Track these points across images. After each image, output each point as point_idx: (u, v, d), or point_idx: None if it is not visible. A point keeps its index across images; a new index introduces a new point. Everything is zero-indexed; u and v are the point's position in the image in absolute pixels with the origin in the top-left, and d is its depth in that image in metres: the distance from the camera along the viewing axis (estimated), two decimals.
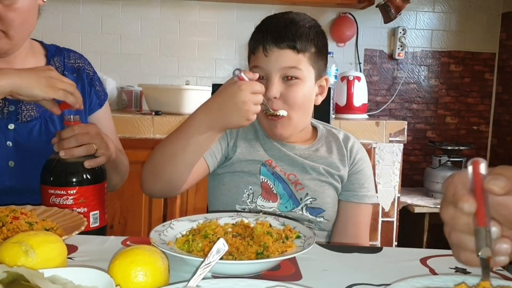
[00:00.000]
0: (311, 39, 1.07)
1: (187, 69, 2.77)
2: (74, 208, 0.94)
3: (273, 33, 1.05)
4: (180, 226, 0.83)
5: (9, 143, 1.11)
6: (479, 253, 0.54)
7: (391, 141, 2.30)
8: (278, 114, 1.06)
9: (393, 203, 2.34)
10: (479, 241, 0.54)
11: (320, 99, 1.14)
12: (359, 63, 2.83)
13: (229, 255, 0.72)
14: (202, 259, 0.64)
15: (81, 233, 0.90)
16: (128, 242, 0.86)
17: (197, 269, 0.63)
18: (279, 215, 0.99)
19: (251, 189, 1.11)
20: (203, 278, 0.61)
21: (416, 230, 2.58)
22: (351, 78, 2.49)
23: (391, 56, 2.87)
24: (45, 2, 1.14)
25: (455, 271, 0.78)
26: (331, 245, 1.01)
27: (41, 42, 1.26)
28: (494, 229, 0.55)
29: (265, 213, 1.07)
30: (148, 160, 1.03)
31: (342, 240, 1.14)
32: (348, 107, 2.48)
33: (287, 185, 1.11)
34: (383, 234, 2.35)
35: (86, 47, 2.66)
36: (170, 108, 2.25)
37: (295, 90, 1.06)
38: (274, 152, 1.13)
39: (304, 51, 1.06)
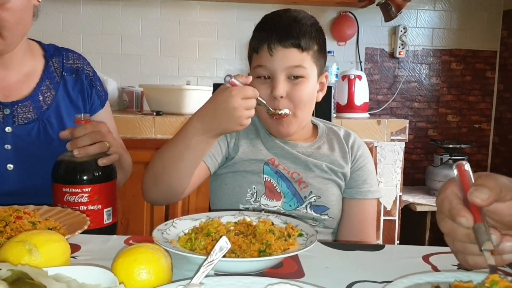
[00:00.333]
0: (313, 37, 1.07)
1: (188, 69, 2.77)
2: (88, 206, 0.95)
3: (278, 32, 1.04)
4: (183, 225, 0.83)
5: (8, 146, 1.10)
6: (482, 247, 0.55)
7: (392, 140, 2.30)
8: (281, 113, 1.05)
9: (394, 202, 2.34)
10: (480, 236, 0.56)
11: (321, 95, 1.15)
12: (360, 62, 2.83)
13: (231, 253, 0.72)
14: (204, 257, 0.64)
15: (95, 230, 0.92)
16: (130, 241, 0.86)
17: (200, 267, 0.63)
18: (281, 213, 0.99)
19: (254, 188, 1.10)
20: (206, 276, 0.61)
21: (418, 229, 2.57)
22: (352, 77, 2.49)
23: (392, 55, 2.87)
24: (40, 2, 1.13)
25: (458, 268, 0.78)
26: (333, 242, 1.01)
27: (39, 43, 1.26)
28: (494, 237, 0.57)
29: (267, 211, 1.07)
30: (147, 168, 1.04)
31: (349, 237, 1.14)
32: (349, 106, 2.48)
33: (291, 184, 1.11)
34: (385, 233, 2.35)
35: (86, 47, 2.67)
36: (171, 108, 2.25)
37: (300, 89, 1.06)
38: (277, 150, 1.13)
39: (308, 49, 1.06)
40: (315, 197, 1.11)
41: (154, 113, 2.24)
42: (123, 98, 2.57)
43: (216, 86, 1.40)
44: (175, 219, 0.85)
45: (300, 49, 1.05)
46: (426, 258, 0.82)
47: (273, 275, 0.71)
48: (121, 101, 2.59)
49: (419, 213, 2.49)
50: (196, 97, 2.26)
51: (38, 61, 1.20)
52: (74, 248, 0.80)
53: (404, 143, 2.32)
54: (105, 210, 0.99)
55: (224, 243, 0.65)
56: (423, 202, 2.51)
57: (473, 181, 0.62)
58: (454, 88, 2.95)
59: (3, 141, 1.10)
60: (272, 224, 0.83)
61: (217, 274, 0.70)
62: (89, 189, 0.96)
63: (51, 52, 1.23)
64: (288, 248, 0.75)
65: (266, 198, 1.10)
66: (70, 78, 1.20)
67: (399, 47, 2.83)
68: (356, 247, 0.88)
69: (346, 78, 2.50)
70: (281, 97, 1.05)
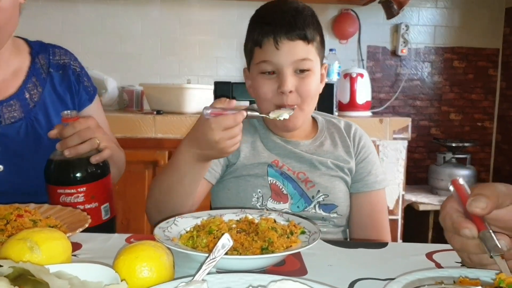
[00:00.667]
0: (316, 27, 1.05)
1: (188, 68, 2.77)
2: (85, 205, 0.94)
3: (283, 24, 1.01)
4: (184, 223, 0.83)
5: None
6: (492, 253, 0.57)
7: (395, 138, 2.29)
8: (280, 118, 0.97)
9: (397, 201, 2.34)
10: (487, 243, 0.58)
11: (321, 87, 1.12)
12: (362, 60, 2.83)
13: (233, 251, 0.72)
14: (207, 255, 0.64)
15: (94, 226, 0.91)
16: (132, 240, 0.86)
17: (202, 265, 0.62)
18: (285, 212, 0.99)
19: (259, 192, 1.07)
20: (208, 274, 0.61)
21: (421, 228, 2.57)
22: (354, 75, 2.48)
23: (394, 53, 2.87)
24: (25, 1, 1.12)
25: (461, 265, 0.78)
26: (336, 240, 1.00)
27: (25, 40, 1.25)
28: (503, 242, 0.58)
29: (268, 209, 1.06)
30: (148, 198, 1.03)
31: (362, 232, 1.12)
32: (351, 105, 2.48)
33: (297, 184, 1.08)
34: None
35: (86, 47, 2.67)
36: (172, 107, 2.25)
37: (308, 83, 1.04)
38: (279, 150, 1.11)
39: (313, 40, 1.04)
40: (323, 196, 1.08)
41: (155, 112, 2.24)
42: (123, 98, 2.57)
43: (217, 84, 1.39)
44: (176, 217, 0.85)
45: (306, 41, 1.02)
46: (429, 255, 0.82)
47: (276, 273, 0.70)
48: (121, 100, 2.59)
49: (422, 212, 2.48)
50: (197, 96, 2.26)
51: (24, 59, 1.19)
52: (75, 246, 0.80)
53: (406, 141, 2.31)
54: (102, 206, 0.98)
55: (226, 241, 0.65)
56: (426, 201, 2.50)
57: (469, 193, 0.63)
58: (457, 86, 2.94)
59: None
60: (275, 221, 0.82)
61: (219, 271, 0.70)
62: (84, 188, 0.95)
63: (37, 48, 1.22)
64: (291, 245, 0.75)
65: (273, 201, 1.07)
66: (57, 74, 1.19)
67: (401, 45, 2.82)
68: (359, 245, 0.88)
69: (348, 76, 2.49)
70: (290, 91, 1.02)
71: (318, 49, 1.06)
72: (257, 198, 1.07)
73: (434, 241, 2.58)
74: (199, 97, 2.26)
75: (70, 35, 2.66)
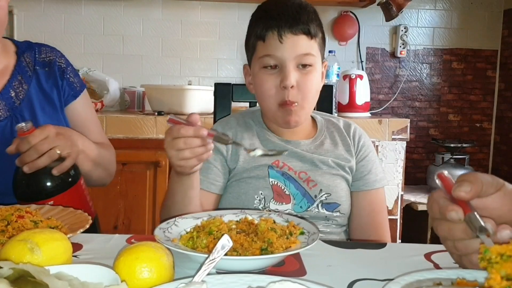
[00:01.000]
0: (318, 24, 1.06)
1: (189, 69, 2.78)
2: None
3: (287, 19, 1.01)
4: (184, 223, 0.83)
5: None
6: (477, 232, 0.57)
7: (394, 139, 2.30)
8: (255, 155, 0.93)
9: (396, 201, 2.34)
10: (473, 224, 0.58)
11: (322, 84, 1.12)
12: (361, 62, 2.83)
13: (233, 251, 0.72)
14: (206, 255, 0.64)
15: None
16: (132, 240, 0.86)
17: (201, 265, 0.63)
18: (287, 213, 0.99)
19: (261, 193, 1.06)
20: (208, 274, 0.61)
21: (420, 228, 2.57)
22: (353, 76, 2.49)
23: (393, 54, 2.87)
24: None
25: (459, 266, 0.78)
26: (335, 241, 1.00)
27: (11, 40, 1.25)
28: (489, 225, 0.58)
29: (269, 211, 1.07)
30: (161, 217, 1.04)
31: (362, 230, 1.12)
32: (351, 106, 2.48)
33: (299, 184, 1.07)
34: None
35: (88, 48, 2.67)
36: (173, 108, 2.26)
37: (310, 79, 1.04)
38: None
39: (316, 36, 1.04)
40: (325, 195, 1.07)
41: (156, 113, 2.24)
42: (125, 98, 2.58)
43: (217, 86, 1.40)
44: (176, 217, 0.85)
45: (309, 36, 1.03)
46: (428, 256, 0.82)
47: (275, 273, 0.71)
48: (122, 101, 2.60)
49: (421, 212, 2.48)
50: (198, 97, 2.27)
51: (10, 58, 1.19)
52: (76, 247, 0.80)
53: (405, 142, 2.32)
54: None
55: (226, 242, 0.65)
56: (425, 201, 2.50)
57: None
58: (455, 87, 2.95)
59: None
60: (274, 222, 0.82)
61: (219, 272, 0.70)
62: (52, 202, 0.92)
63: (23, 48, 1.22)
64: (290, 246, 0.75)
65: (275, 203, 1.06)
66: (42, 71, 1.19)
67: (400, 46, 2.83)
68: (357, 246, 0.88)
69: (347, 77, 2.50)
70: (292, 86, 1.02)
71: (320, 45, 1.07)
72: (259, 200, 1.06)
73: (433, 241, 2.58)
74: (200, 98, 2.27)
75: (72, 36, 2.66)
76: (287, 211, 1.06)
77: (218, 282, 0.60)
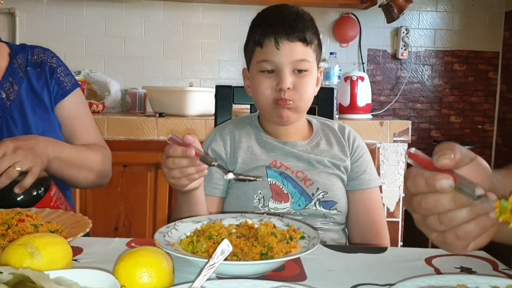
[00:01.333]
0: (315, 31, 1.10)
1: (191, 71, 2.78)
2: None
3: (284, 26, 1.05)
4: (184, 227, 0.83)
5: None
6: (476, 193, 0.53)
7: (395, 141, 2.30)
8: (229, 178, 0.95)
9: (398, 203, 2.34)
10: (467, 187, 0.54)
11: (317, 89, 1.16)
12: (363, 63, 2.83)
13: (233, 256, 0.72)
14: (206, 260, 0.64)
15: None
16: (132, 244, 0.86)
17: (201, 270, 0.63)
18: (283, 216, 0.99)
19: (260, 193, 1.09)
20: (208, 279, 0.61)
21: (421, 231, 2.56)
22: (354, 78, 2.48)
23: (394, 56, 2.87)
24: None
25: (460, 271, 0.78)
26: (335, 245, 1.01)
27: (6, 43, 1.26)
28: (480, 188, 0.54)
29: (269, 214, 1.07)
30: None
31: (360, 228, 1.15)
32: (352, 107, 2.48)
33: (297, 183, 1.10)
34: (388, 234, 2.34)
35: (90, 49, 2.68)
36: (174, 109, 2.26)
37: (305, 82, 1.08)
38: (277, 152, 1.13)
39: (311, 43, 1.08)
40: (322, 193, 1.10)
41: (157, 115, 2.24)
42: (126, 100, 2.58)
43: (218, 88, 1.40)
44: (177, 221, 0.85)
45: (305, 43, 1.07)
46: (428, 260, 0.82)
47: (275, 278, 0.71)
48: (124, 102, 2.60)
49: None
50: (199, 99, 2.27)
51: (3, 60, 1.20)
52: (76, 250, 0.80)
53: (407, 144, 2.32)
54: None
55: (225, 246, 0.65)
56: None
57: (429, 158, 0.59)
58: (457, 89, 2.94)
59: None
60: (274, 226, 0.82)
61: (219, 277, 0.70)
62: None
63: (16, 50, 1.23)
64: (290, 251, 0.75)
65: (274, 202, 1.09)
66: (34, 72, 1.20)
67: (402, 48, 2.83)
68: (358, 250, 0.88)
69: (349, 79, 2.49)
70: (288, 88, 1.06)
71: (315, 52, 1.11)
72: (258, 199, 1.09)
73: (434, 244, 2.58)
74: (201, 100, 2.27)
75: (74, 37, 2.67)
76: (285, 210, 1.08)
77: (218, 287, 0.60)
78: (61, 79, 1.23)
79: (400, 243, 2.35)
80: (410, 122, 2.31)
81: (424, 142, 2.94)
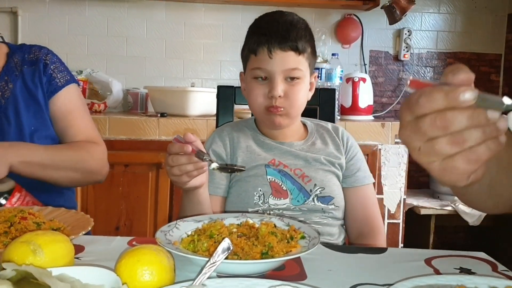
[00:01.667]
0: (308, 40, 1.13)
1: (192, 71, 2.78)
2: None
3: (277, 36, 1.09)
4: (186, 227, 0.84)
5: None
6: (505, 102, 0.49)
7: (396, 143, 2.30)
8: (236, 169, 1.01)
9: (399, 205, 2.34)
10: (492, 99, 0.50)
11: (310, 94, 1.19)
12: (364, 65, 2.83)
13: (234, 255, 0.72)
14: (207, 259, 0.65)
15: None
16: (134, 243, 0.87)
17: (202, 269, 0.63)
18: (285, 216, 1.00)
19: (260, 190, 1.13)
20: (208, 278, 0.62)
21: (422, 232, 2.57)
22: (356, 79, 2.49)
23: (396, 58, 2.87)
24: None
25: (460, 271, 0.78)
26: (336, 245, 1.01)
27: (6, 43, 1.27)
28: (506, 98, 0.50)
29: (270, 213, 1.09)
30: None
31: (357, 223, 1.19)
32: (354, 109, 2.48)
33: (295, 180, 1.14)
34: (389, 236, 2.35)
35: (92, 49, 2.69)
36: (176, 110, 2.26)
37: (297, 90, 1.12)
38: (275, 151, 1.17)
39: (304, 52, 1.11)
40: (320, 189, 1.14)
41: (159, 115, 2.25)
42: (128, 100, 2.59)
43: (220, 88, 1.41)
44: (178, 220, 0.86)
45: (297, 52, 1.10)
46: (428, 261, 0.82)
47: (275, 277, 0.71)
48: (125, 102, 2.61)
49: (423, 216, 2.48)
50: (201, 99, 2.27)
51: (1, 60, 1.21)
52: (78, 248, 0.81)
53: None
54: None
55: (226, 245, 0.66)
56: (428, 205, 2.50)
57: (434, 82, 0.53)
58: None
59: None
60: (275, 226, 0.83)
61: (220, 276, 0.71)
62: None
63: (14, 49, 1.24)
64: (291, 250, 0.75)
65: (274, 198, 1.12)
66: (28, 70, 1.20)
67: (404, 50, 2.83)
68: (358, 250, 0.88)
69: (351, 80, 2.50)
70: (280, 96, 1.10)
71: (308, 60, 1.14)
72: (259, 196, 1.12)
73: (435, 245, 2.58)
74: (202, 100, 2.27)
75: (76, 37, 2.67)
76: (285, 205, 1.12)
77: (218, 285, 0.61)
78: (53, 75, 1.22)
79: (401, 245, 2.35)
80: None
81: None
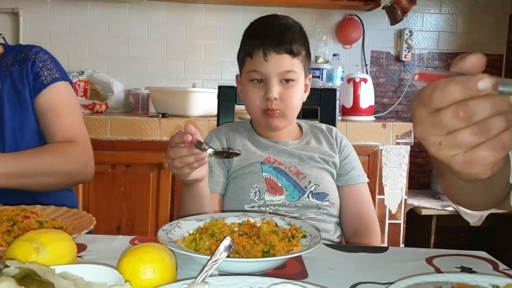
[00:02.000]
0: (302, 43, 1.15)
1: (194, 71, 2.79)
2: None
3: (272, 39, 1.11)
4: (187, 225, 0.84)
5: None
6: None
7: (398, 143, 2.30)
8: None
9: (400, 205, 2.34)
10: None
11: (305, 96, 1.22)
12: (366, 65, 2.84)
13: (235, 254, 0.73)
14: (209, 257, 0.65)
15: None
16: (136, 241, 0.87)
17: (204, 267, 0.64)
18: (286, 215, 1.00)
19: (256, 187, 1.15)
20: (210, 276, 0.62)
21: (423, 233, 2.57)
22: (357, 80, 2.49)
23: (397, 58, 2.87)
24: None
25: (461, 271, 0.78)
26: (337, 244, 1.02)
27: (2, 44, 1.27)
28: None
29: (271, 213, 1.09)
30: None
31: (351, 222, 1.21)
32: (355, 109, 2.48)
33: (290, 177, 1.17)
34: (390, 236, 2.35)
35: (93, 50, 2.69)
36: (177, 110, 2.27)
37: (292, 92, 1.14)
38: (271, 150, 1.20)
39: (299, 55, 1.14)
40: (314, 186, 1.16)
41: (160, 115, 2.25)
42: (129, 100, 2.59)
43: (221, 88, 1.41)
44: (179, 219, 0.86)
45: (292, 55, 1.12)
46: (429, 260, 0.83)
47: (277, 276, 0.71)
48: (127, 103, 2.61)
49: (425, 216, 2.48)
50: (202, 100, 2.28)
51: None
52: (80, 247, 0.81)
53: (409, 146, 2.32)
54: None
55: (228, 243, 0.66)
56: (429, 205, 2.50)
57: (443, 73, 0.51)
58: None
59: None
60: (276, 225, 0.83)
61: (221, 274, 0.71)
62: None
63: (8, 50, 1.23)
64: (292, 249, 0.76)
65: (269, 195, 1.14)
66: (17, 69, 1.19)
67: (405, 50, 2.83)
68: (360, 249, 0.89)
69: (352, 81, 2.50)
70: (275, 98, 1.12)
71: (303, 62, 1.16)
72: (254, 193, 1.14)
73: (437, 246, 2.58)
74: (204, 101, 2.28)
75: (77, 38, 2.68)
76: (280, 202, 1.14)
77: (220, 283, 0.61)
78: (39, 73, 1.20)
79: (402, 245, 2.35)
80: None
81: None
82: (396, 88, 2.90)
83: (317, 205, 1.16)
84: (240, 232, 0.80)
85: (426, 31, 2.89)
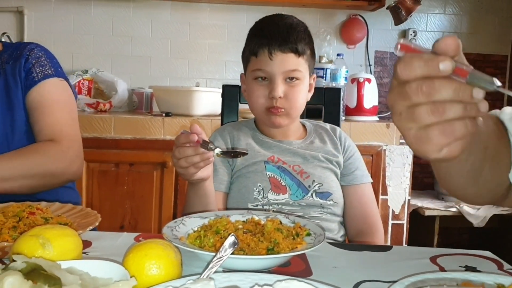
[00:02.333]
0: (307, 42, 1.16)
1: (197, 71, 2.79)
2: None
3: (277, 38, 1.12)
4: (192, 223, 0.84)
5: None
6: (495, 83, 0.49)
7: (401, 144, 2.30)
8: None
9: (403, 206, 2.34)
10: (482, 78, 0.49)
11: (310, 95, 1.23)
12: (370, 65, 2.83)
13: (240, 251, 0.73)
14: (214, 254, 0.65)
15: None
16: (140, 238, 0.87)
17: (208, 264, 0.64)
18: (290, 213, 1.00)
19: (260, 185, 1.15)
20: (215, 272, 0.62)
21: (427, 233, 2.56)
22: (361, 80, 2.49)
23: None
24: None
25: (465, 270, 0.78)
26: (341, 243, 1.02)
27: (2, 42, 1.26)
28: (496, 80, 0.50)
29: (275, 211, 1.09)
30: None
31: (354, 221, 1.21)
32: (359, 109, 2.48)
33: (294, 176, 1.17)
34: (393, 236, 2.34)
35: (97, 49, 2.70)
36: (180, 109, 2.27)
37: (297, 90, 1.15)
38: (275, 149, 1.20)
39: (303, 54, 1.15)
40: (318, 185, 1.17)
41: (163, 114, 2.26)
42: (133, 99, 2.60)
43: (225, 88, 1.41)
44: (184, 217, 0.86)
45: (297, 54, 1.13)
46: (433, 259, 0.83)
47: (281, 274, 0.71)
48: (130, 102, 2.62)
49: (428, 217, 2.47)
50: (205, 99, 2.28)
51: None
52: (85, 244, 0.82)
53: None
54: None
55: (233, 240, 0.66)
56: (432, 206, 2.49)
57: (424, 48, 0.53)
58: None
59: None
60: (280, 223, 0.83)
61: (225, 271, 0.71)
62: None
63: (7, 48, 1.22)
64: (296, 247, 0.76)
65: (273, 193, 1.15)
66: (11, 66, 1.18)
67: None
68: (364, 248, 0.89)
69: (355, 81, 2.50)
70: (280, 97, 1.13)
71: (308, 61, 1.17)
72: (258, 191, 1.15)
73: (440, 246, 2.57)
74: (207, 100, 2.28)
75: (81, 37, 2.69)
76: (284, 200, 1.14)
77: (225, 280, 0.61)
78: (31, 70, 1.18)
79: (405, 246, 2.35)
80: None
81: None
82: None
83: (321, 204, 1.16)
84: (245, 230, 0.80)
85: (430, 31, 2.88)
